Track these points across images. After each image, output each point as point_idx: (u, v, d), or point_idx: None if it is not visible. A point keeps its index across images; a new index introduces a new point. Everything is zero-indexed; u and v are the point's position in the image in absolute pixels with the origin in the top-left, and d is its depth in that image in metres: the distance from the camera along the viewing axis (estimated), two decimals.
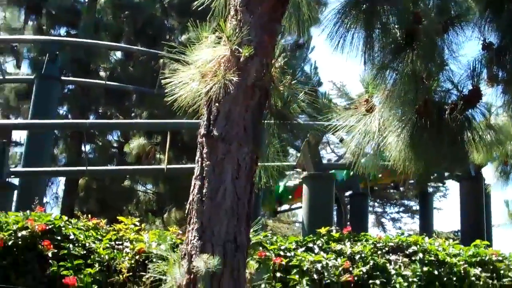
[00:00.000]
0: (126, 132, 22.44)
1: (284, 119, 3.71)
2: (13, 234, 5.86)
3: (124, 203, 22.34)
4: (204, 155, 3.34)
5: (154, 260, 5.43)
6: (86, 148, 23.09)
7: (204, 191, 3.27)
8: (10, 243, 5.78)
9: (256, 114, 3.44)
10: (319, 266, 6.11)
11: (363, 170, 4.18)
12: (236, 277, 3.15)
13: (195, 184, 3.33)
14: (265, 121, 3.64)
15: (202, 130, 3.42)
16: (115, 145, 24.38)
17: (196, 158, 3.39)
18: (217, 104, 3.36)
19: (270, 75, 3.56)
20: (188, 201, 3.31)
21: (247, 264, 3.31)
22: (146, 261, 5.75)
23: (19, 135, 23.96)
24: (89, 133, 21.20)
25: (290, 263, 6.16)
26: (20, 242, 5.82)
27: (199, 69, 3.39)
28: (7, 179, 10.43)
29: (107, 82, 19.98)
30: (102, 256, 5.87)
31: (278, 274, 5.91)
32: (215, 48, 3.41)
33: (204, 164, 3.32)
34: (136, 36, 22.34)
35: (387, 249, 6.72)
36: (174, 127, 14.48)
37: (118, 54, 23.06)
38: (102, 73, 22.71)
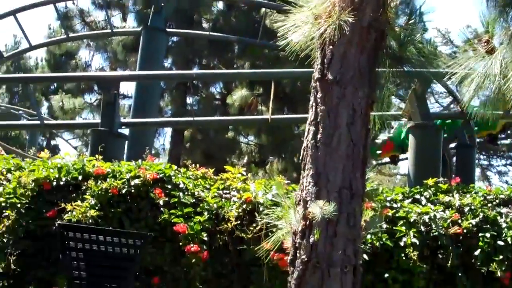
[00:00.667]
0: (229, 84, 22.62)
1: (400, 62, 3.52)
2: (126, 183, 6.06)
3: (228, 154, 22.70)
4: (319, 100, 3.24)
5: (266, 207, 5.49)
6: (190, 100, 23.61)
7: (318, 136, 3.18)
8: (123, 191, 5.99)
9: (371, 57, 3.29)
10: (426, 218, 5.93)
11: (480, 116, 3.94)
12: (352, 224, 3.08)
13: (309, 129, 3.24)
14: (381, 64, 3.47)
15: (316, 74, 3.31)
16: (217, 97, 24.71)
17: (310, 103, 3.29)
18: (331, 46, 3.23)
19: (386, 15, 3.38)
20: (302, 147, 3.24)
21: (362, 212, 3.22)
22: (253, 210, 5.80)
23: (127, 88, 24.84)
24: (193, 85, 21.59)
25: (397, 215, 6.02)
26: (133, 190, 6.01)
27: (312, 10, 3.26)
28: (118, 130, 10.79)
29: (211, 33, 20.12)
30: (210, 204, 5.96)
31: (384, 226, 5.79)
32: None
33: (318, 109, 3.22)
34: None
35: (497, 201, 6.40)
36: (278, 76, 14.37)
37: (221, 4, 23.12)
38: (205, 25, 22.89)
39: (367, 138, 3.25)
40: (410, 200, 6.38)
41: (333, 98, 3.19)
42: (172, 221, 5.76)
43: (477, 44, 3.99)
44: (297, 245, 3.12)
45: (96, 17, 24.95)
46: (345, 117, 3.17)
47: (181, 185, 6.21)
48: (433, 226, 5.86)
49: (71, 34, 21.51)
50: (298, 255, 3.11)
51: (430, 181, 6.66)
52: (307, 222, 3.05)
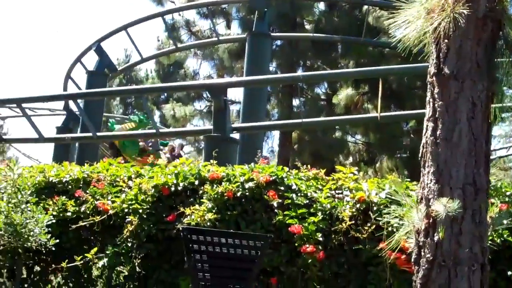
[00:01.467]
0: (334, 84, 22.53)
1: None
2: (240, 186, 6.16)
3: (336, 154, 22.60)
4: (436, 95, 3.17)
5: (383, 206, 5.42)
6: (296, 102, 23.72)
7: (438, 132, 3.11)
8: (238, 194, 6.10)
9: (489, 48, 3.18)
10: None
11: None
12: (478, 221, 2.99)
13: (427, 126, 3.18)
14: (499, 55, 3.35)
15: (432, 69, 3.24)
16: (323, 97, 24.67)
17: (427, 99, 3.23)
18: (446, 40, 3.16)
19: (502, 4, 3.26)
20: (421, 144, 3.19)
21: (488, 208, 3.12)
22: (367, 210, 5.74)
23: (234, 94, 25.34)
24: (299, 87, 21.68)
25: None
26: (247, 193, 6.11)
27: (424, 5, 3.20)
28: (230, 135, 11.04)
29: (314, 35, 20.15)
30: (324, 205, 5.94)
31: (505, 222, 5.54)
32: None
33: (436, 105, 3.15)
34: None
35: None
36: (384, 74, 14.15)
37: (322, 5, 23.08)
38: (307, 26, 22.93)
39: (489, 132, 3.15)
40: None
41: (451, 92, 3.11)
42: (287, 222, 5.80)
43: None
44: (421, 244, 3.06)
45: (201, 27, 25.71)
46: (465, 112, 3.09)
47: (294, 187, 6.24)
48: None
49: (179, 45, 22.26)
50: (422, 254, 3.06)
51: None
52: (431, 220, 2.99)
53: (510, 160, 31.48)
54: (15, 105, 19.59)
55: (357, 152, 23.73)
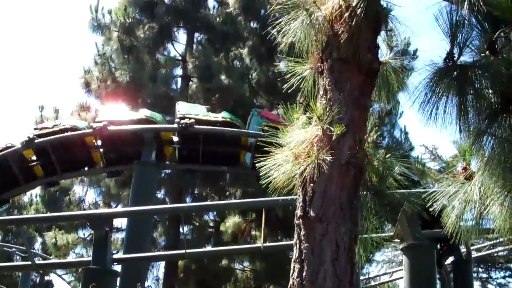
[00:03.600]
0: (222, 211, 22.70)
1: (380, 194, 3.63)
2: None
3: (223, 283, 22.34)
4: (302, 237, 3.31)
5: None
6: (184, 229, 23.55)
7: (304, 274, 3.21)
8: None
9: (351, 192, 3.40)
10: None
11: (464, 239, 4.01)
12: None
13: (294, 267, 3.28)
14: (361, 197, 3.57)
15: (298, 212, 3.40)
16: (211, 224, 24.69)
17: (294, 240, 3.35)
18: (312, 184, 3.34)
19: (364, 151, 3.53)
20: (289, 286, 3.26)
21: None
22: None
23: (120, 221, 24.83)
24: (186, 214, 21.62)
25: None
26: None
27: (292, 150, 3.41)
28: (110, 266, 10.70)
29: (201, 165, 20.48)
30: None
31: None
32: (306, 128, 3.44)
33: (302, 247, 3.28)
34: None
35: None
36: (269, 205, 14.49)
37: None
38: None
39: (353, 273, 3.28)
40: None
41: (316, 235, 3.25)
42: None
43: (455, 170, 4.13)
44: None
45: None
46: (329, 253, 3.22)
47: None
48: None
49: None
50: None
51: None
52: None
53: (394, 285, 32.40)
54: None
55: (244, 280, 23.55)
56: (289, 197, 10.69)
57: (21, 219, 17.45)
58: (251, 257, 22.04)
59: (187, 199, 23.33)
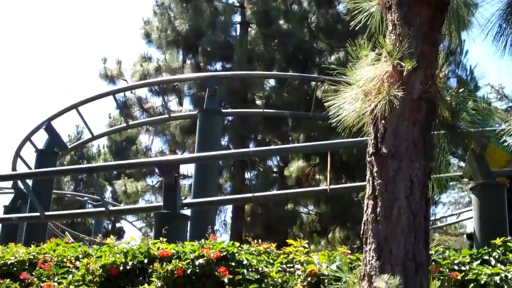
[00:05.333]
0: (286, 156, 22.82)
1: (453, 130, 3.56)
2: (190, 263, 6.14)
3: (289, 226, 22.61)
4: (375, 174, 3.29)
5: (332, 282, 5.45)
6: (249, 175, 23.85)
7: (378, 210, 3.22)
8: (189, 271, 6.06)
9: (424, 128, 3.35)
10: (497, 278, 5.74)
11: None
12: None
13: (368, 203, 3.28)
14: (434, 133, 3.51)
15: (370, 149, 3.38)
16: (275, 170, 24.89)
17: (367, 177, 3.35)
18: (383, 121, 3.31)
19: (435, 86, 3.45)
20: (363, 221, 3.28)
21: (429, 282, 3.20)
22: (318, 283, 5.76)
23: (187, 168, 25.32)
24: (251, 160, 21.85)
25: (466, 278, 5.85)
26: (197, 270, 6.07)
27: (361, 88, 3.37)
28: (180, 211, 11.01)
29: (264, 110, 20.54)
30: (275, 279, 5.95)
31: None
32: (376, 65, 3.38)
33: (375, 183, 3.27)
34: (287, 62, 22.79)
35: None
36: (333, 148, 14.47)
37: (272, 81, 23.65)
38: (258, 102, 23.37)
39: (428, 208, 3.26)
40: (478, 261, 6.20)
41: (389, 171, 3.24)
42: None
43: None
44: None
45: (153, 103, 25.89)
46: (403, 189, 3.21)
47: (245, 262, 6.24)
48: (505, 287, 5.67)
49: (130, 122, 22.28)
50: None
51: (498, 241, 6.48)
52: None
53: (461, 226, 32.07)
54: None
55: (309, 223, 23.78)
56: (354, 139, 10.63)
57: (93, 167, 18.02)
58: (316, 201, 22.17)
59: (251, 145, 23.51)
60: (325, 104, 3.53)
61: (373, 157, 3.35)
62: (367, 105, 3.32)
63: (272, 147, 20.60)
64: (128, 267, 6.31)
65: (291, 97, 21.86)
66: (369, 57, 3.47)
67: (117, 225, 37.03)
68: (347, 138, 13.95)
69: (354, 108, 3.40)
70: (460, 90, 3.54)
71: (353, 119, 3.43)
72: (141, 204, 26.47)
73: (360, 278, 3.18)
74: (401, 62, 3.31)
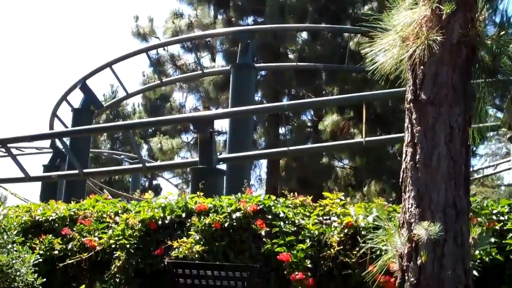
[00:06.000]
0: (319, 110, 22.68)
1: (494, 75, 3.45)
2: (228, 216, 6.17)
3: (323, 180, 22.61)
4: (414, 121, 3.23)
5: (368, 230, 5.44)
6: (282, 130, 23.82)
7: (417, 157, 3.16)
8: (226, 224, 6.10)
9: (464, 73, 3.25)
10: None
11: None
12: (460, 243, 3.02)
13: (406, 151, 3.22)
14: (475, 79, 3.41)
15: (409, 96, 3.30)
16: (309, 124, 24.79)
17: (405, 124, 3.28)
18: (422, 67, 3.22)
19: (475, 30, 3.34)
20: (401, 169, 3.23)
21: (469, 229, 3.15)
22: (355, 234, 5.75)
23: (221, 124, 25.43)
24: (285, 115, 21.78)
25: (505, 227, 5.76)
26: (235, 223, 6.11)
27: (399, 33, 3.28)
28: (216, 166, 11.08)
29: (297, 64, 20.35)
30: (312, 231, 5.96)
31: (492, 240, 5.55)
32: (413, 9, 3.27)
33: (414, 130, 3.21)
34: (319, 14, 22.43)
35: None
36: (368, 99, 14.29)
37: (304, 34, 23.35)
38: (291, 56, 23.16)
39: (468, 154, 3.19)
40: None
41: (428, 118, 3.17)
42: (275, 250, 5.80)
43: None
44: (404, 268, 3.09)
45: (186, 60, 25.89)
46: (443, 136, 3.14)
47: (281, 215, 6.25)
48: None
49: (164, 79, 22.36)
50: (406, 277, 3.08)
51: None
52: (413, 245, 3.02)
53: (498, 178, 31.69)
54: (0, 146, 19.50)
55: (344, 177, 23.74)
56: (389, 90, 10.47)
57: (130, 124, 18.25)
58: (351, 154, 22.06)
59: (284, 100, 23.40)
60: (361, 52, 3.44)
61: (411, 104, 3.27)
62: (405, 51, 3.23)
63: (306, 100, 20.41)
64: (166, 222, 6.37)
65: (324, 50, 21.59)
66: (406, 1, 3.36)
67: (154, 182, 37.62)
68: (382, 90, 13.86)
69: (392, 55, 3.31)
70: (501, 33, 3.41)
71: (390, 66, 3.35)
72: (177, 160, 26.75)
73: (399, 225, 3.15)
74: (440, 6, 3.20)
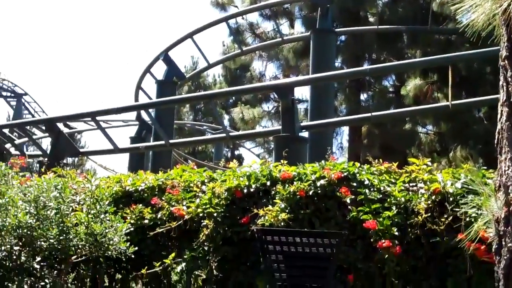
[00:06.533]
0: (401, 75, 22.16)
1: None
2: (312, 184, 6.14)
3: (407, 147, 22.19)
4: (509, 79, 3.05)
5: (458, 196, 5.29)
6: (363, 96, 23.46)
7: None
8: (310, 192, 6.07)
9: None
10: None
11: None
12: None
13: (502, 111, 3.06)
14: None
15: (503, 52, 3.12)
16: (391, 90, 24.31)
17: (500, 83, 3.11)
18: None
19: None
20: (496, 130, 3.07)
21: None
22: (443, 201, 5.61)
23: (300, 92, 25.38)
24: (365, 81, 21.41)
25: None
26: (319, 191, 6.07)
27: None
28: (299, 133, 11.05)
29: (379, 27, 19.89)
30: (398, 198, 5.85)
31: None
32: None
33: (510, 88, 3.03)
34: None
35: None
36: (454, 61, 13.77)
37: None
38: (371, 19, 22.67)
39: None
40: None
41: None
42: (361, 218, 5.74)
43: None
44: (501, 233, 2.96)
45: (265, 28, 25.90)
46: None
47: (366, 182, 6.17)
48: None
49: (244, 48, 22.44)
50: (503, 243, 2.95)
51: None
52: (510, 208, 2.88)
53: None
54: (89, 119, 20.24)
55: (428, 143, 23.21)
56: (475, 51, 10.03)
57: (213, 93, 18.46)
58: (436, 119, 21.48)
59: (365, 65, 22.99)
60: (452, 8, 3.28)
61: (506, 61, 3.09)
62: (498, 5, 3.05)
63: (390, 63, 19.91)
64: (251, 190, 6.40)
65: (406, 12, 20.99)
66: None
67: (236, 152, 38.12)
68: (471, 50, 13.32)
69: (483, 10, 3.13)
70: None
71: (482, 22, 3.17)
72: (258, 129, 26.95)
73: (495, 189, 3.02)
74: None
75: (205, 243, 6.25)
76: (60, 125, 15.73)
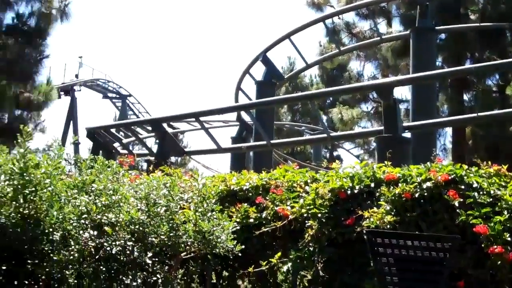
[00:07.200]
0: (506, 74, 21.25)
1: None
2: (418, 186, 6.01)
3: None
4: None
5: None
6: (466, 96, 22.68)
7: None
8: (416, 195, 5.96)
9: None
10: None
11: None
12: None
13: None
14: None
15: None
16: (495, 89, 23.38)
17: None
18: None
19: None
20: None
21: None
22: None
23: (400, 92, 24.93)
24: (467, 80, 20.70)
25: None
26: (425, 193, 5.94)
27: None
28: (402, 134, 10.85)
29: (480, 24, 19.19)
30: (509, 203, 5.65)
31: None
32: None
33: None
34: None
35: None
36: None
37: None
38: (472, 16, 21.90)
39: None
40: None
41: None
42: (471, 222, 5.57)
43: None
44: None
45: (362, 27, 25.62)
46: None
47: (475, 185, 5.98)
48: None
49: (341, 48, 22.30)
50: None
51: None
52: None
53: None
54: (193, 119, 20.76)
55: None
56: None
57: (312, 94, 18.45)
58: None
59: (466, 64, 22.24)
60: None
61: None
62: None
63: (496, 61, 19.06)
64: (355, 191, 6.35)
65: (509, 8, 20.10)
66: None
67: (334, 153, 37.92)
68: None
69: None
70: None
71: None
72: (357, 130, 26.66)
73: None
74: None
75: (310, 244, 6.26)
76: (164, 125, 16.23)
